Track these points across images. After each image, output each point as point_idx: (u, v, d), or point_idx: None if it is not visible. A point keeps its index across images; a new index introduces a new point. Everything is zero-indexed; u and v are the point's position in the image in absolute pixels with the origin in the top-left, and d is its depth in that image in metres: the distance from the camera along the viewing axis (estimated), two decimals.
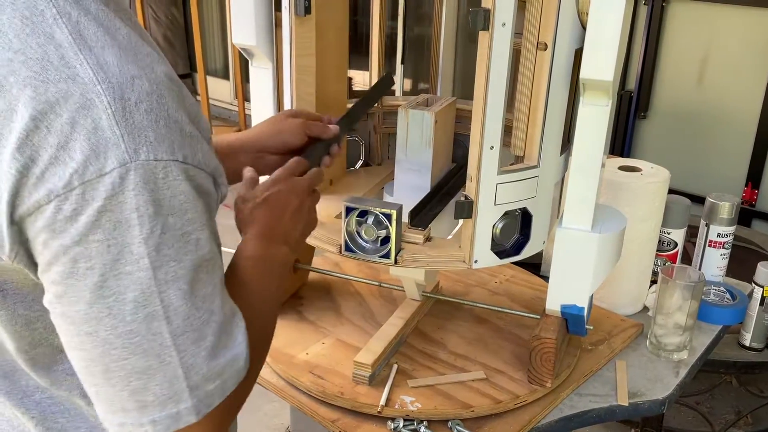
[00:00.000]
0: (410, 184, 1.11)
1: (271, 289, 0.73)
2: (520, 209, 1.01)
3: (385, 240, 0.99)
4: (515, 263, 1.48)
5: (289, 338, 1.20)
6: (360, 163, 1.35)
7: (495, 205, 0.97)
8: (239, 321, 0.62)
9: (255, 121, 1.20)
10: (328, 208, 1.11)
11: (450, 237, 1.09)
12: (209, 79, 3.93)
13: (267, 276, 0.73)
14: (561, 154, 1.04)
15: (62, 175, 0.50)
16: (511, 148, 1.02)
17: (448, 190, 1.14)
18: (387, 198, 1.18)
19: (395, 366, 1.13)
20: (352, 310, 1.29)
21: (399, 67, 2.69)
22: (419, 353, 1.17)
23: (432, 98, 1.17)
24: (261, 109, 1.15)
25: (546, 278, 1.46)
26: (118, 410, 0.56)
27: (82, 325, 0.54)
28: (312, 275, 1.39)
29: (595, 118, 0.97)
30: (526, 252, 1.04)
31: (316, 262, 1.46)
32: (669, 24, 3.02)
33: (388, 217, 0.97)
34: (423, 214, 1.06)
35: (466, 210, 0.96)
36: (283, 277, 0.77)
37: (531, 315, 1.18)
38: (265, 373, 1.15)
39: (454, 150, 1.24)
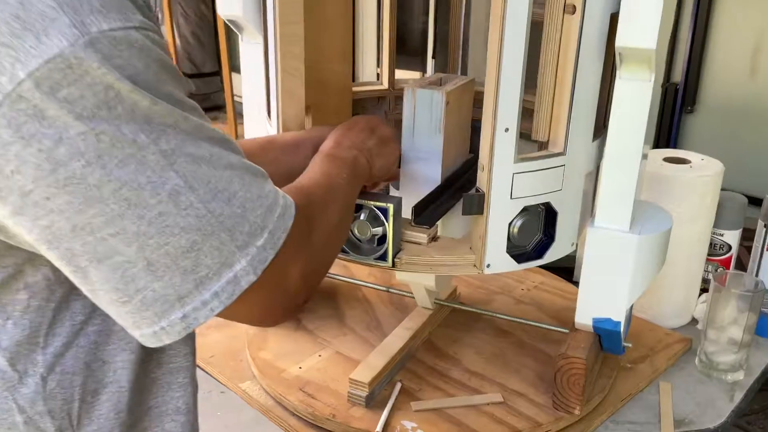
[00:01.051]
0: (418, 176, 0.96)
1: (338, 182, 0.73)
2: (542, 204, 0.86)
3: (382, 239, 0.84)
4: (545, 267, 1.32)
5: (282, 349, 1.07)
6: None
7: (511, 198, 0.82)
8: (263, 174, 0.57)
9: (246, 106, 1.07)
10: None
11: (462, 237, 0.93)
12: (235, 75, 3.84)
13: (333, 168, 0.74)
14: (594, 139, 0.88)
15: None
16: (532, 132, 0.86)
17: (462, 183, 0.99)
18: (393, 192, 1.04)
19: (398, 385, 0.98)
20: (357, 319, 1.15)
21: (430, 62, 2.56)
22: (428, 370, 1.02)
23: (447, 77, 1.02)
24: (252, 90, 1.01)
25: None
26: (175, 301, 0.50)
27: (103, 230, 0.47)
28: None
29: (635, 95, 0.81)
30: (551, 256, 0.88)
31: None
32: (718, 11, 2.80)
33: (384, 211, 0.82)
34: (430, 210, 0.91)
35: (476, 204, 0.81)
36: (355, 178, 0.78)
37: (559, 329, 1.02)
38: (251, 388, 1.01)
39: (473, 139, 1.08)
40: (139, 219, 0.47)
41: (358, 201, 0.83)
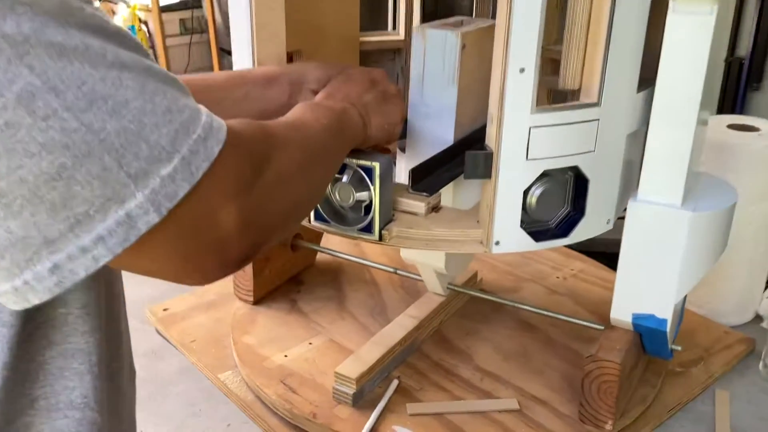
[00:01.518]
0: (426, 135, 0.80)
1: (314, 126, 0.58)
2: (569, 169, 0.69)
3: (369, 207, 0.69)
4: (587, 252, 1.14)
5: (269, 334, 0.93)
6: None
7: (527, 160, 0.65)
8: (179, 85, 0.42)
9: (235, 57, 0.93)
10: None
11: (471, 209, 0.77)
12: None
13: (313, 113, 0.60)
14: (639, 90, 0.70)
15: None
16: (560, 78, 0.69)
17: (478, 147, 0.82)
18: (399, 155, 0.88)
19: (395, 382, 0.83)
20: (360, 303, 1.00)
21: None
22: (433, 366, 0.87)
23: (468, 20, 0.85)
24: (240, 44, 0.87)
25: None
26: (41, 246, 0.38)
27: None
28: (321, 258, 1.11)
29: (693, 32, 0.63)
30: (579, 234, 0.71)
31: (334, 240, 1.18)
32: None
33: (369, 172, 0.67)
34: (434, 176, 0.75)
35: (482, 165, 0.65)
36: (342, 132, 0.63)
37: (594, 325, 0.85)
38: (231, 380, 0.88)
39: None
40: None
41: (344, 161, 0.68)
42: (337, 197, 0.70)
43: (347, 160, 0.68)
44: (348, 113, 0.65)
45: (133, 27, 3.75)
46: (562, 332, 0.94)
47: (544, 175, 0.67)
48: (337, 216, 0.72)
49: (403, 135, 0.78)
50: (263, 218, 0.45)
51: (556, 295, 1.04)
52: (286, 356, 0.89)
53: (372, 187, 0.67)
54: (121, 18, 3.75)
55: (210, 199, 0.41)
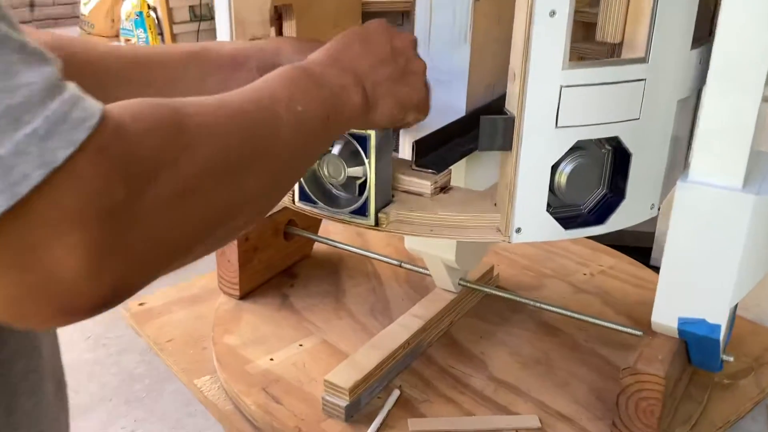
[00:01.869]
0: (435, 104, 0.68)
1: (281, 114, 0.42)
2: (608, 141, 0.57)
3: (364, 186, 0.57)
4: (616, 246, 1.02)
5: (255, 333, 0.82)
6: None
7: (557, 127, 0.53)
8: (33, 50, 0.29)
9: (217, 15, 0.81)
10: None
11: (487, 189, 0.65)
12: None
13: (291, 89, 0.45)
14: (693, 47, 0.58)
15: None
16: (597, 31, 0.57)
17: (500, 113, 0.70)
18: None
19: (396, 393, 0.72)
20: (359, 300, 0.89)
21: None
22: (441, 374, 0.75)
23: None
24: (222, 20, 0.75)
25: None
26: None
27: None
28: (319, 248, 1.00)
29: None
30: (618, 221, 0.59)
31: (336, 229, 1.07)
32: None
33: (364, 142, 0.55)
34: (444, 149, 0.63)
35: (500, 134, 0.53)
36: (329, 122, 0.47)
37: (630, 330, 0.72)
38: (208, 386, 0.77)
39: None
40: None
41: None
42: (326, 172, 0.59)
43: None
44: (347, 92, 0.50)
45: (141, 13, 3.65)
46: (589, 336, 0.81)
47: (577, 147, 0.55)
48: (325, 196, 0.60)
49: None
50: (142, 251, 0.31)
51: (582, 294, 0.91)
52: (272, 360, 0.77)
53: (367, 161, 0.56)
54: (130, 4, 3.66)
55: (42, 224, 0.28)
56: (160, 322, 0.87)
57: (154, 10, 3.73)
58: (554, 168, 0.55)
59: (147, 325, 0.87)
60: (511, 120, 0.52)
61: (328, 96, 0.47)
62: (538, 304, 0.79)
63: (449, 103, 0.68)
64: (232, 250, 0.85)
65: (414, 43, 0.58)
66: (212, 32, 3.78)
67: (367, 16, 0.87)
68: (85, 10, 3.79)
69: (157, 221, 0.31)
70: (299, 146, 0.43)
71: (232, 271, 0.87)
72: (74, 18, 4.40)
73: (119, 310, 0.91)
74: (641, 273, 0.96)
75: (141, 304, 0.91)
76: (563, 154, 0.54)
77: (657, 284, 0.92)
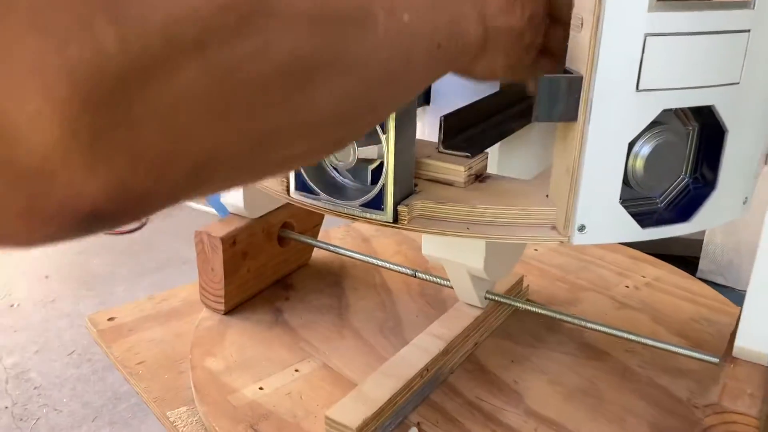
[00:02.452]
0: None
1: (415, 18, 0.29)
2: (696, 113, 0.44)
3: (378, 172, 0.44)
4: (660, 255, 0.89)
5: (241, 355, 0.68)
6: None
7: (638, 91, 0.40)
8: None
9: None
10: None
11: (534, 179, 0.52)
12: None
13: (394, 15, 0.29)
14: None
15: None
16: None
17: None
18: (425, 107, 0.63)
19: (413, 431, 0.58)
20: (366, 315, 0.75)
21: None
22: (467, 408, 0.62)
23: None
24: None
25: (712, 286, 0.86)
26: None
27: None
28: (318, 255, 0.87)
29: None
30: (707, 218, 0.46)
31: (338, 234, 0.94)
32: None
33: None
34: (478, 128, 0.50)
35: (564, 98, 0.39)
36: (450, 38, 0.34)
37: (706, 357, 0.59)
38: (183, 420, 0.63)
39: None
40: None
41: None
42: (334, 159, 0.45)
43: None
44: (466, 23, 0.36)
45: None
46: (643, 361, 0.68)
47: (656, 122, 0.42)
48: (329, 184, 0.47)
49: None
50: (152, 144, 0.20)
51: (627, 310, 0.78)
52: (261, 389, 0.64)
53: (384, 138, 0.42)
54: None
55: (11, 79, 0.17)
56: (131, 341, 0.74)
57: None
58: (631, 148, 0.42)
59: (115, 345, 0.73)
60: (579, 80, 0.39)
61: (446, 21, 0.34)
62: (581, 322, 0.66)
63: None
64: (216, 256, 0.72)
65: None
66: None
67: None
68: None
69: (176, 108, 0.20)
70: (393, 69, 0.30)
71: (216, 281, 0.73)
72: None
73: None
74: (692, 286, 0.83)
75: (110, 319, 0.77)
76: (643, 129, 0.41)
77: (721, 301, 0.79)
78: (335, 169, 0.47)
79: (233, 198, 0.73)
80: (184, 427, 0.63)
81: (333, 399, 0.59)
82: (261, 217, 0.75)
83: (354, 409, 0.55)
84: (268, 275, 0.79)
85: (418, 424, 0.59)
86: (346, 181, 0.47)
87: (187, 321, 0.77)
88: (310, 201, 0.47)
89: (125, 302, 0.82)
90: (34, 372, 1.81)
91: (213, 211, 2.45)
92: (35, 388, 1.76)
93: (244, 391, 0.64)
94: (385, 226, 0.45)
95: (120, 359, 0.71)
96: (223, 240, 0.71)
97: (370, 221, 0.45)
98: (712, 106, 0.42)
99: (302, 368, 0.67)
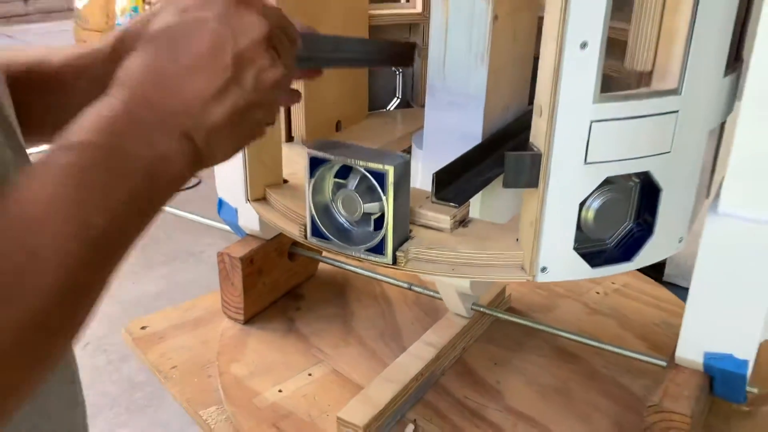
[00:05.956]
0: (449, 128, 0.66)
1: (108, 215, 0.32)
2: (637, 175, 0.54)
3: (380, 221, 0.55)
4: None
5: (262, 361, 0.79)
6: (395, 102, 0.90)
7: (586, 164, 0.50)
8: None
9: None
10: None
11: (508, 222, 0.62)
12: None
13: (102, 188, 0.32)
14: (726, 74, 0.55)
15: None
16: (627, 58, 0.54)
17: (515, 146, 0.67)
18: (416, 153, 0.73)
19: (410, 427, 0.69)
20: (369, 323, 0.86)
21: None
22: (456, 406, 0.72)
23: None
24: None
25: (677, 288, 0.96)
26: None
27: None
28: (324, 267, 0.97)
29: None
30: (646, 256, 0.56)
31: None
32: None
33: (381, 179, 0.52)
34: (462, 180, 0.60)
35: (527, 171, 0.50)
36: (151, 191, 0.35)
37: (652, 359, 0.70)
38: (215, 418, 0.74)
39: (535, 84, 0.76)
40: None
41: (341, 160, 0.53)
42: (340, 209, 0.56)
43: (350, 161, 0.54)
44: (167, 163, 0.35)
45: (136, 8, 3.60)
46: (608, 363, 0.79)
47: (606, 182, 0.52)
48: (339, 232, 0.57)
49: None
50: None
51: (597, 316, 0.89)
52: (280, 391, 0.74)
53: (384, 197, 0.53)
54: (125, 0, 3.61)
55: None
56: (163, 348, 0.84)
57: (150, 4, 3.68)
58: (583, 205, 0.52)
59: (151, 351, 0.84)
60: (538, 156, 0.50)
61: (141, 183, 0.34)
62: (554, 331, 0.77)
63: (465, 129, 0.65)
64: (236, 273, 0.82)
65: (270, 25, 0.39)
66: None
67: (373, 30, 0.84)
68: (79, 4, 3.73)
69: None
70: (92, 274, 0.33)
71: (236, 295, 0.84)
72: (69, 11, 4.33)
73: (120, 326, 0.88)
74: (657, 292, 0.94)
75: (143, 328, 0.88)
76: (592, 190, 0.51)
77: (674, 304, 0.90)
78: (346, 220, 0.57)
79: (250, 222, 0.83)
80: (215, 424, 0.74)
81: (342, 400, 0.70)
82: (273, 238, 0.85)
83: (361, 410, 0.66)
84: (281, 287, 0.90)
85: (414, 421, 0.70)
86: (353, 228, 0.58)
87: (211, 329, 0.87)
88: (322, 245, 0.58)
89: (135, 295, 0.91)
90: None
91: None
92: None
93: (265, 393, 0.74)
94: (386, 267, 0.55)
95: (155, 364, 0.82)
96: (242, 260, 0.81)
97: (373, 263, 0.55)
98: (648, 171, 0.52)
99: (315, 372, 0.77)
